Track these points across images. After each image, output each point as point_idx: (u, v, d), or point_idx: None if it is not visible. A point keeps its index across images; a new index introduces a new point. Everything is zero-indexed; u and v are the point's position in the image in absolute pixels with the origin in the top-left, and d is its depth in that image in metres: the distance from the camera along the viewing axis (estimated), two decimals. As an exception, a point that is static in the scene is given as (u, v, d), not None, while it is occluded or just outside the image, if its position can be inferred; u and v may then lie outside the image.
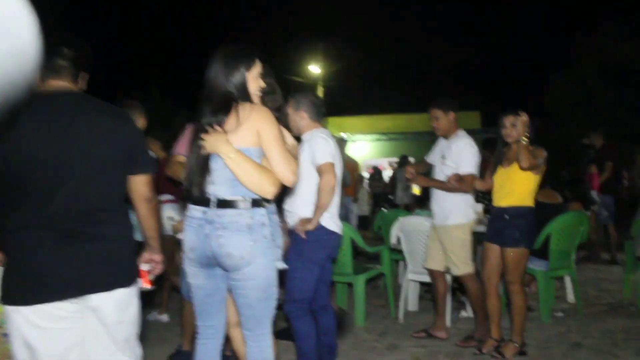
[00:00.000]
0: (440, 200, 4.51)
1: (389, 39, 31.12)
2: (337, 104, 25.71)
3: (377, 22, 32.76)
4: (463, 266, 4.47)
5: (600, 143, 8.25)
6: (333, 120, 24.68)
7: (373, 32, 31.64)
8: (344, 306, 5.61)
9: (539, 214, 5.18)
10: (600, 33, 19.86)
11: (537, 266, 5.10)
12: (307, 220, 3.46)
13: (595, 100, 19.04)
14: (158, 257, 2.58)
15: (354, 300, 5.20)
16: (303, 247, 3.47)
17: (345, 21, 31.48)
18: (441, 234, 4.54)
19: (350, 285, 5.39)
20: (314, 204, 3.46)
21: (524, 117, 3.94)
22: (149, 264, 2.58)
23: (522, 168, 3.93)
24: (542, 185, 5.58)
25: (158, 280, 2.94)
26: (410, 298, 5.50)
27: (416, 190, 4.79)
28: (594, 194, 7.90)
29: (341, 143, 9.71)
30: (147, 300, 3.81)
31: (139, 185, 2.39)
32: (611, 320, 5.07)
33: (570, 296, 5.68)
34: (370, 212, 13.75)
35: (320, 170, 3.47)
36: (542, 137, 15.59)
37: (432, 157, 4.73)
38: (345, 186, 8.90)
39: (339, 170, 3.57)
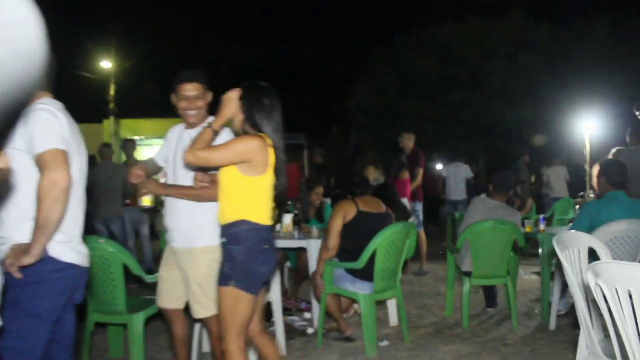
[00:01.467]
0: (187, 214, 3.12)
1: (188, 36, 29.51)
2: (130, 104, 23.65)
3: (177, 16, 30.99)
4: (211, 305, 3.01)
5: (411, 146, 7.82)
6: (126, 123, 22.61)
7: (172, 27, 29.80)
8: (119, 354, 4.24)
9: (361, 226, 4.37)
10: (396, 46, 20.61)
11: (359, 289, 4.24)
12: (22, 248, 2.09)
13: (393, 109, 19.57)
14: None
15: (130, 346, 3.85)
16: (19, 294, 2.09)
17: (140, 13, 29.20)
18: (184, 260, 3.17)
19: (125, 326, 4.03)
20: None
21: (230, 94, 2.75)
22: None
23: (185, 162, 2.74)
24: (361, 192, 4.81)
25: None
26: (205, 335, 4.29)
27: (147, 200, 3.21)
28: (405, 201, 7.38)
29: (129, 144, 8.27)
30: None
31: None
32: (441, 347, 4.36)
33: (393, 318, 4.94)
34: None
35: (40, 163, 2.11)
36: (341, 142, 15.27)
37: (166, 155, 3.36)
38: (130, 196, 7.48)
39: (78, 163, 2.24)
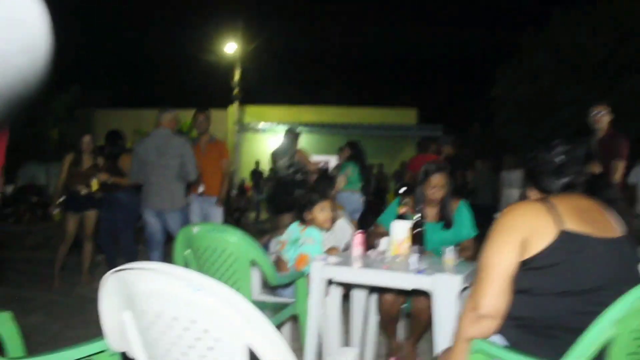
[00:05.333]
0: None
1: (320, 21, 27.71)
2: (255, 89, 22.34)
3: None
4: None
5: (607, 128, 5.18)
6: (251, 109, 21.30)
7: (301, 10, 28.13)
8: None
9: (573, 268, 1.87)
10: (554, 24, 17.25)
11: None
12: None
13: (548, 99, 16.30)
14: None
15: None
16: None
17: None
18: None
19: None
20: None
21: None
22: None
23: None
24: (564, 186, 2.20)
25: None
26: None
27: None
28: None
29: (290, 135, 6.58)
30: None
31: None
32: None
33: None
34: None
35: None
36: (485, 138, 12.41)
37: None
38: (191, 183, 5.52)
39: None
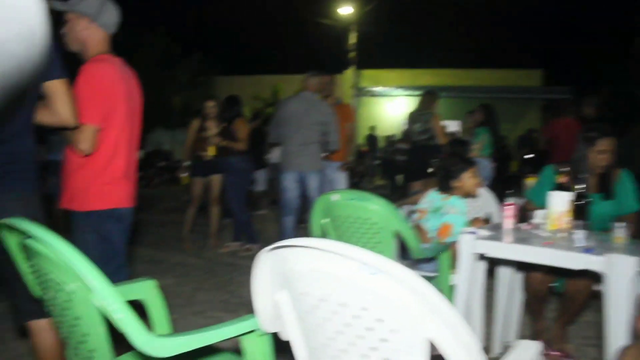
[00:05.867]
0: None
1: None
2: (371, 53, 21.91)
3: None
4: None
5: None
6: (367, 73, 20.98)
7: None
8: None
9: None
10: None
11: None
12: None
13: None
14: None
15: None
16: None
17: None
18: None
19: None
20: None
21: None
22: None
23: None
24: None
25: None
26: None
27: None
28: None
29: (428, 97, 6.32)
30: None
31: None
32: None
33: None
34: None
35: None
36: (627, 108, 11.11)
37: None
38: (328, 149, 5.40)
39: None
